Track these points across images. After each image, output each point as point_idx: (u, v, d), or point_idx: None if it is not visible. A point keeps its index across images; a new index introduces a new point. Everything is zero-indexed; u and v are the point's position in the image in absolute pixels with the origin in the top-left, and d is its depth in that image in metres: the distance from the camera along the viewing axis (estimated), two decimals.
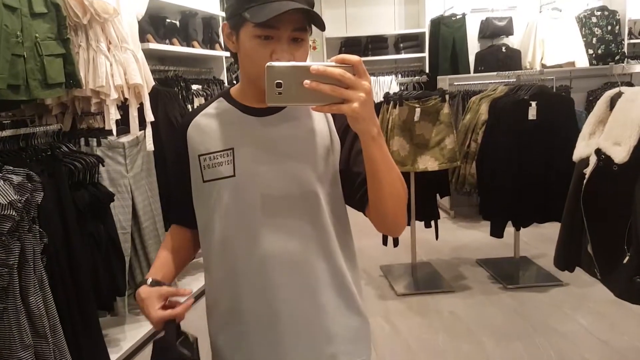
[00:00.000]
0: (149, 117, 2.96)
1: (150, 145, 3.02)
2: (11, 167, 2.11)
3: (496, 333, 3.02)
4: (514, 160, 3.44)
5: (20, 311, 2.09)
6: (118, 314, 3.02)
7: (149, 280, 1.11)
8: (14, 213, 2.02)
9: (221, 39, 4.42)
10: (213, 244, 1.12)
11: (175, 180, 1.21)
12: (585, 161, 1.99)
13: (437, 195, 4.00)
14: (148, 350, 3.01)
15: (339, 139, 1.10)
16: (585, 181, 1.96)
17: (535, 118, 3.39)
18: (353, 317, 1.14)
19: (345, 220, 1.15)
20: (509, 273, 3.85)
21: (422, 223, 3.91)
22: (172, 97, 3.44)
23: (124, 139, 2.93)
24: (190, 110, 2.77)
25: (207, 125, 1.14)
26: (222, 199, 1.08)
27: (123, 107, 2.88)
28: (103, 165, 2.71)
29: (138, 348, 2.99)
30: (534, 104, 3.39)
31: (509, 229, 3.71)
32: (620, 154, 1.79)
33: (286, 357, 1.09)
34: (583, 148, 2.03)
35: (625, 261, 1.86)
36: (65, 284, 2.31)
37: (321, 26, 1.01)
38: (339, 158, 1.10)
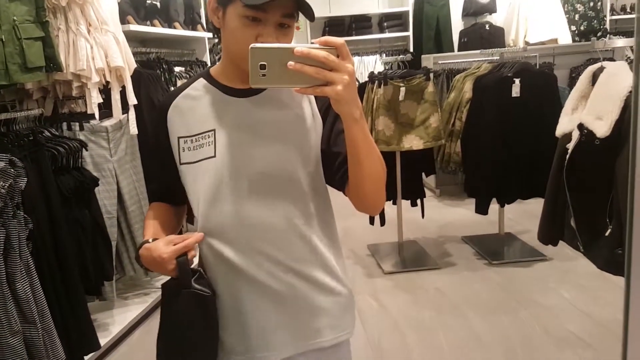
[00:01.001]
0: (132, 100, 2.93)
1: (133, 129, 2.99)
2: None
3: (482, 308, 3.07)
4: (498, 138, 3.47)
5: (8, 297, 2.08)
6: (106, 298, 3.02)
7: (150, 240, 1.10)
8: None
9: (203, 20, 4.36)
10: (197, 223, 1.12)
11: (155, 161, 1.20)
12: (568, 136, 2.02)
13: (423, 174, 4.02)
14: (137, 333, 3.02)
15: (321, 120, 1.11)
16: (567, 156, 1.99)
17: (518, 95, 3.41)
18: (337, 292, 1.16)
19: (327, 198, 1.16)
20: (494, 249, 3.90)
21: (409, 202, 3.94)
22: (154, 80, 3.40)
23: (107, 123, 2.90)
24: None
25: (187, 107, 1.13)
26: (204, 180, 1.09)
27: (105, 90, 2.85)
28: (86, 150, 2.69)
29: (127, 332, 2.99)
30: (517, 81, 3.41)
31: (494, 206, 3.76)
32: (602, 129, 1.82)
33: (271, 332, 1.11)
34: (566, 123, 2.05)
35: (607, 234, 1.90)
36: (52, 270, 2.29)
37: (310, 17, 1.01)
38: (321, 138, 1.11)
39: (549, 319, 2.90)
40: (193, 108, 1.12)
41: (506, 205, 3.85)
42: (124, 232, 3.09)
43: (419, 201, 3.91)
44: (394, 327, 2.94)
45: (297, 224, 1.09)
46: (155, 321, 3.16)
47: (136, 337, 3.00)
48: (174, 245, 1.05)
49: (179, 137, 1.12)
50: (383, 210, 3.88)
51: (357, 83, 0.95)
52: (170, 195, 1.17)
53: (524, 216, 4.45)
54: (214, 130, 1.08)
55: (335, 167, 1.08)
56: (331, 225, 1.17)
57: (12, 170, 2.08)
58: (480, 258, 3.81)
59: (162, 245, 1.05)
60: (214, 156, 1.07)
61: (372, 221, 3.88)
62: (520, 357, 2.56)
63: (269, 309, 1.10)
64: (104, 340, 2.72)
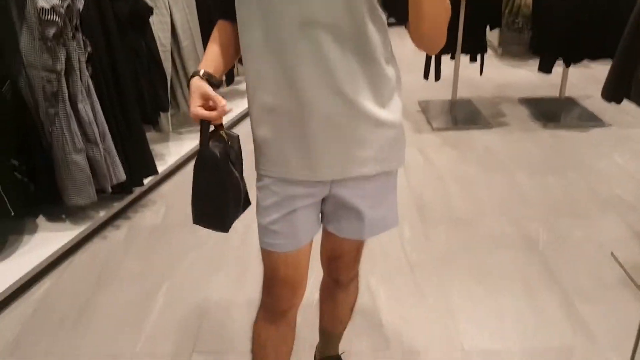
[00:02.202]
0: None
1: None
2: None
3: (530, 167, 3.05)
4: None
5: (71, 116, 2.19)
6: (162, 130, 3.15)
7: (201, 72, 1.11)
8: (57, 18, 2.02)
9: None
10: (250, 40, 1.10)
11: None
12: None
13: (487, 26, 3.79)
14: (191, 165, 3.18)
15: None
16: None
17: None
18: (387, 125, 1.15)
19: (385, 26, 1.11)
20: (551, 112, 3.77)
21: (467, 58, 3.77)
22: None
23: None
24: None
25: None
26: None
27: None
28: None
29: (182, 163, 3.15)
30: None
31: (557, 68, 3.57)
32: None
33: (316, 155, 1.12)
34: None
35: None
36: (110, 94, 2.38)
37: None
38: None
39: (598, 181, 2.87)
40: None
41: (570, 69, 3.64)
42: (177, 67, 3.13)
43: (478, 57, 3.74)
44: (438, 179, 2.97)
45: (356, 48, 1.05)
46: None
47: (190, 168, 3.16)
48: (205, 97, 1.07)
49: None
50: (439, 64, 3.74)
51: None
52: (233, 11, 1.14)
53: (587, 81, 4.23)
54: None
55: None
56: (390, 58, 1.13)
57: None
58: (536, 120, 3.71)
59: (197, 96, 1.07)
60: None
61: (426, 75, 3.76)
62: (562, 214, 2.58)
63: (314, 133, 1.10)
64: (160, 168, 2.87)
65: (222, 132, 1.13)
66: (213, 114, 1.07)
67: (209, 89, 1.08)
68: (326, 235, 1.32)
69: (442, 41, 1.05)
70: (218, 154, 1.10)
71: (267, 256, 1.23)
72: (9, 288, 2.05)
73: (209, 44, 1.20)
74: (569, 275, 2.14)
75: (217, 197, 1.14)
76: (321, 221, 1.28)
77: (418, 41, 1.05)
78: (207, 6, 3.24)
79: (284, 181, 1.16)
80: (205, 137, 1.10)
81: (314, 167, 1.13)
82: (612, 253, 2.25)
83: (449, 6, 1.00)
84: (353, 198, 1.19)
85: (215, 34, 1.21)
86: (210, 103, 1.08)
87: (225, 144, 1.12)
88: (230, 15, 1.15)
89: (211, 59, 1.17)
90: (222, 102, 1.07)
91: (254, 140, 1.19)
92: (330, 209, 1.23)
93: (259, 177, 1.19)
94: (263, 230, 1.20)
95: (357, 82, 1.08)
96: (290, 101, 1.09)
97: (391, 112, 1.15)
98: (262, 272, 1.27)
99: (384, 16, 1.09)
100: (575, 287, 2.07)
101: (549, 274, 2.15)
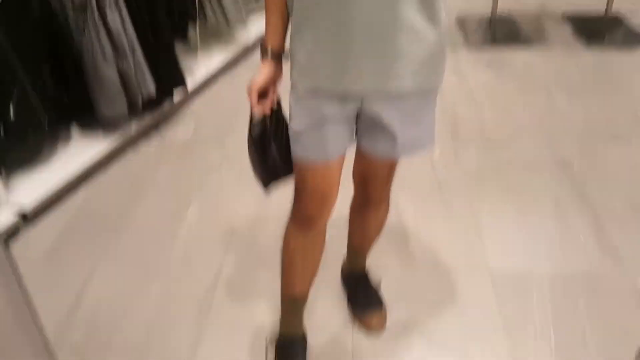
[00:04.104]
0: None
1: None
2: None
3: (570, 88, 2.93)
4: None
5: (100, 27, 2.16)
6: (191, 43, 3.08)
7: (269, 51, 1.19)
8: None
9: None
10: None
11: None
12: None
13: None
14: (220, 81, 3.15)
15: None
16: None
17: None
18: (432, 42, 1.09)
19: None
20: (596, 30, 3.57)
21: None
22: None
23: None
24: None
25: None
26: None
27: None
28: None
29: (211, 79, 3.11)
30: None
31: None
32: None
33: (353, 64, 1.08)
34: None
35: None
36: (138, 3, 2.32)
37: None
38: None
39: None
40: None
41: None
42: None
43: None
44: (472, 99, 2.88)
45: None
46: (236, 72, 3.26)
47: (220, 84, 3.13)
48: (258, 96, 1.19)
49: None
50: None
51: None
52: None
53: None
54: None
55: None
56: None
57: None
58: (579, 38, 3.51)
59: (258, 81, 1.18)
60: None
61: None
62: (601, 137, 2.49)
63: (353, 42, 1.05)
64: (190, 84, 2.82)
65: (265, 114, 1.24)
66: (257, 106, 1.20)
67: (268, 85, 1.20)
68: (359, 153, 1.31)
69: None
70: (254, 134, 1.24)
71: (297, 164, 1.24)
72: (45, 197, 2.11)
73: (267, 9, 1.18)
74: (602, 198, 2.10)
75: (256, 164, 1.30)
76: (355, 138, 1.26)
77: None
78: None
79: (315, 93, 1.13)
80: (251, 117, 1.24)
81: (349, 77, 1.10)
82: None
83: None
84: (386, 115, 1.16)
85: None
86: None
87: (265, 123, 1.23)
88: None
89: (274, 31, 1.19)
90: (265, 110, 1.22)
91: (290, 52, 1.15)
92: (364, 126, 1.21)
93: (292, 87, 1.17)
94: (293, 138, 1.20)
95: None
96: (332, 8, 1.04)
97: (436, 27, 1.09)
98: (291, 188, 1.28)
99: None
100: (607, 210, 2.04)
101: (581, 197, 2.12)
